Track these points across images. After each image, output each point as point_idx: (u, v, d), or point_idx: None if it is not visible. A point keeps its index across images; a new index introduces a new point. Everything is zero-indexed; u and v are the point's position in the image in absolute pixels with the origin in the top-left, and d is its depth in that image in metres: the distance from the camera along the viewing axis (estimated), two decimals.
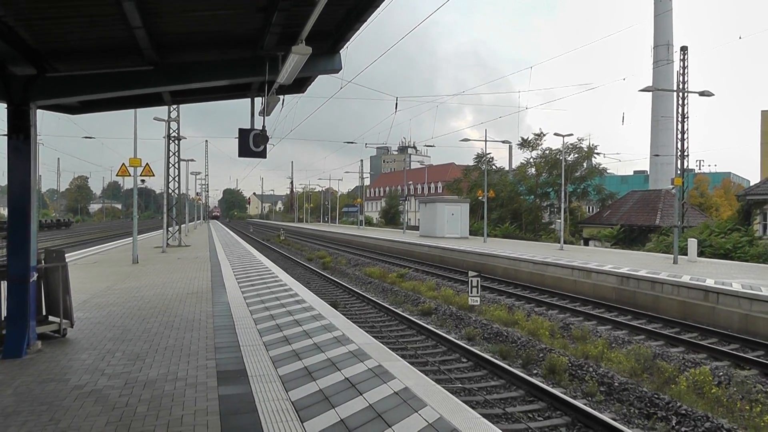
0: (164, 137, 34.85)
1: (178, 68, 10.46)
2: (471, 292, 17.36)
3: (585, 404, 9.22)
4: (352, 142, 59.14)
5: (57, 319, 9.41)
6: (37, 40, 8.52)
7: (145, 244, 35.07)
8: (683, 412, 9.08)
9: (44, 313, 9.68)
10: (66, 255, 9.95)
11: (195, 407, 6.12)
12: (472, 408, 6.48)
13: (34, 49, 8.68)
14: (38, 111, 9.54)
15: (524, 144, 61.56)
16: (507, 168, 78.11)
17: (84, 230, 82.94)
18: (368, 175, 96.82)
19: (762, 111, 73.87)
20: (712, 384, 10.23)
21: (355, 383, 6.88)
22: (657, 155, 61.30)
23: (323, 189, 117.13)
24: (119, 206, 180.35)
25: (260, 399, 6.34)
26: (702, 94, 26.47)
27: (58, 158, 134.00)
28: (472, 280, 17.39)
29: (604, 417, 8.48)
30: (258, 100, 12.76)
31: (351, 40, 9.93)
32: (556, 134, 49.22)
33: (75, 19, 7.98)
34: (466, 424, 5.56)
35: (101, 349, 8.69)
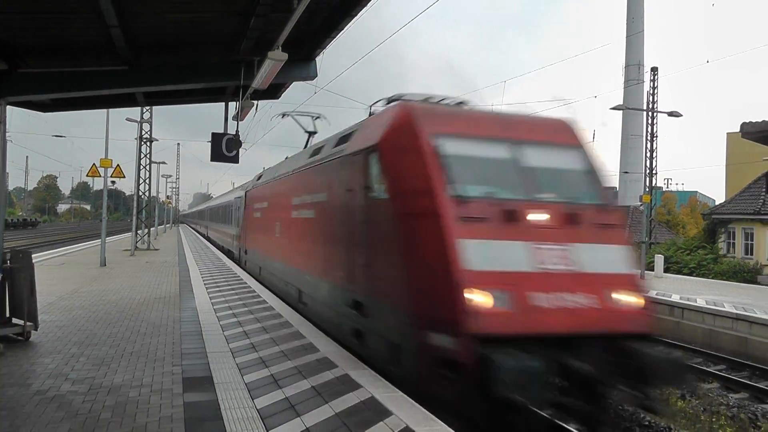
0: (136, 138, 34.52)
1: (153, 69, 10.39)
2: None
3: None
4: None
5: (21, 322, 9.21)
6: (9, 35, 8.41)
7: (114, 246, 34.54)
8: (646, 423, 9.21)
9: (7, 315, 9.49)
10: (32, 256, 9.79)
11: (160, 414, 6.05)
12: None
13: (6, 43, 8.57)
14: (8, 107, 9.41)
15: None
16: None
17: (51, 231, 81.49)
18: None
19: (727, 133, 75.16)
20: (676, 396, 10.39)
21: (322, 391, 6.86)
22: (626, 172, 62.02)
23: None
24: (88, 207, 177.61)
25: (226, 406, 6.29)
26: (671, 114, 26.99)
27: (27, 156, 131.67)
28: None
29: None
30: (232, 105, 12.72)
31: (326, 47, 9.96)
32: None
33: (50, 15, 7.89)
34: None
35: (66, 353, 8.55)
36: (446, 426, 5.83)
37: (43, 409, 6.11)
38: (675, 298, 17.35)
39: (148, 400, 6.52)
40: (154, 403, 6.39)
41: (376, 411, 6.21)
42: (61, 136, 47.48)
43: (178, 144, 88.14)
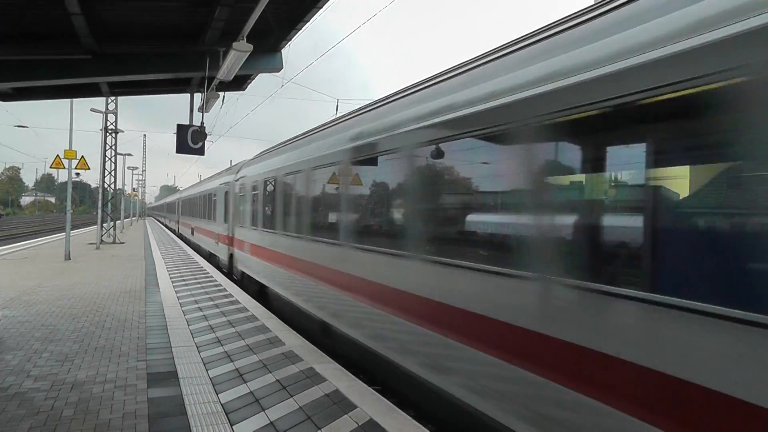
0: (101, 129, 33.99)
1: (117, 59, 10.25)
2: None
3: None
4: None
5: None
6: None
7: (79, 240, 34.02)
8: None
9: None
10: None
11: (123, 410, 5.99)
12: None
13: None
14: None
15: None
16: None
17: (15, 224, 79.89)
18: None
19: None
20: None
21: (286, 385, 6.86)
22: None
23: None
24: (53, 200, 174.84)
25: (190, 401, 6.25)
26: None
27: None
28: None
29: None
30: (198, 96, 12.63)
31: (292, 39, 9.92)
32: None
33: (9, 1, 7.72)
34: (397, 425, 5.60)
35: (28, 349, 8.41)
36: (409, 417, 5.87)
37: (3, 407, 6.01)
38: None
39: (111, 396, 6.45)
40: (118, 399, 6.33)
41: (341, 404, 6.23)
42: (23, 127, 46.41)
43: (144, 135, 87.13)
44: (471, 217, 6.28)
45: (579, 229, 4.68)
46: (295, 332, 9.93)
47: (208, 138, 12.60)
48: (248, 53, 8.69)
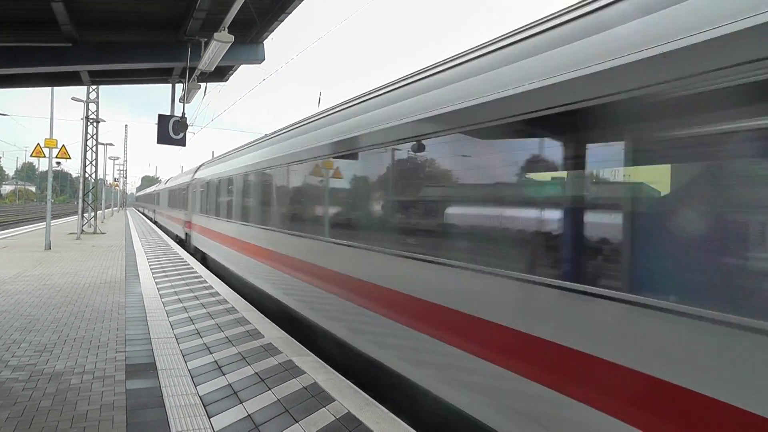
0: (82, 119, 33.68)
1: (97, 47, 10.18)
2: None
3: None
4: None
5: None
6: None
7: (60, 229, 33.75)
8: None
9: None
10: None
11: (101, 402, 5.98)
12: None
13: None
14: None
15: None
16: None
17: None
18: None
19: None
20: None
21: (265, 378, 6.87)
22: None
23: None
24: (33, 189, 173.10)
25: (168, 393, 6.25)
26: None
27: None
28: None
29: None
30: (179, 87, 12.57)
31: (275, 30, 9.91)
32: None
33: None
34: (374, 419, 5.64)
35: (6, 339, 8.36)
36: (386, 410, 5.91)
37: None
38: None
39: (89, 387, 6.44)
40: (96, 390, 6.32)
41: (318, 397, 6.25)
42: (4, 115, 45.89)
43: (126, 125, 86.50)
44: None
45: None
46: (274, 324, 9.94)
47: (190, 129, 12.55)
48: (230, 44, 8.65)
